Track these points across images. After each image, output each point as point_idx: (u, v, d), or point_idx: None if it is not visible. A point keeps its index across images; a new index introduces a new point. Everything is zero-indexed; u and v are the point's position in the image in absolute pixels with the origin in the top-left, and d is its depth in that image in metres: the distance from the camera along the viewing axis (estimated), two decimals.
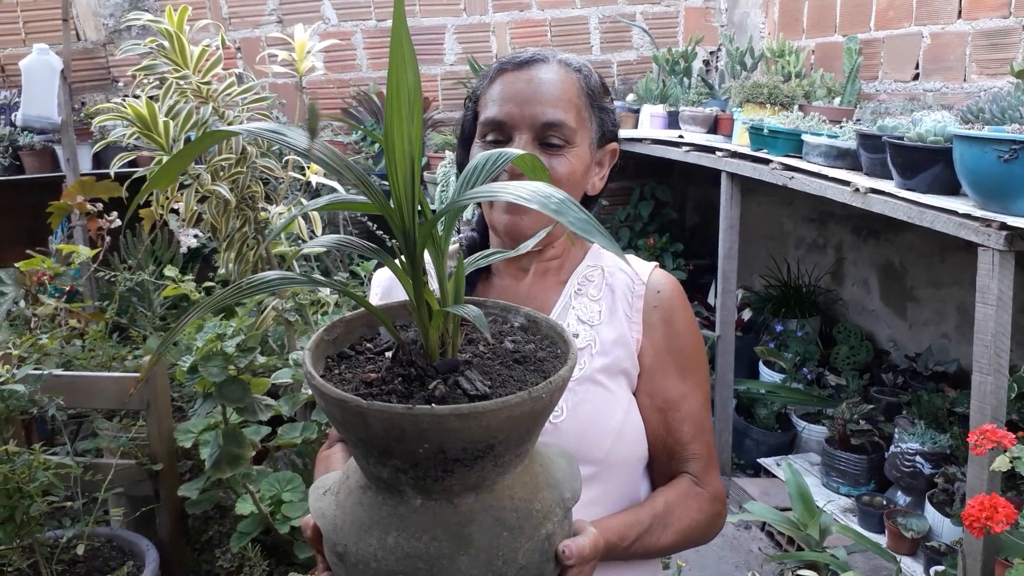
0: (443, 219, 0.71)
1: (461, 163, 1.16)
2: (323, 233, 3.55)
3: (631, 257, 1.19)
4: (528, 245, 0.80)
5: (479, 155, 0.72)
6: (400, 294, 1.06)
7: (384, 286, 1.17)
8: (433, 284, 0.73)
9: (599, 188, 1.15)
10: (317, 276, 0.74)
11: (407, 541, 0.69)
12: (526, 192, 0.59)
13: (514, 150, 0.70)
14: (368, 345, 0.78)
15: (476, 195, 0.64)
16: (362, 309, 0.78)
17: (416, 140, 0.63)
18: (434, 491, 0.69)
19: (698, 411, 1.11)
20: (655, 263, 1.17)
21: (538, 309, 1.11)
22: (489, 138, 1.06)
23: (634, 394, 1.09)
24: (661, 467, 1.11)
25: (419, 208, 0.68)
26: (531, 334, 0.81)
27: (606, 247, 0.55)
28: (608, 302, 1.11)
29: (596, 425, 1.03)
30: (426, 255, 0.70)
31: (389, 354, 0.75)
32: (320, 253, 3.34)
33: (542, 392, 0.67)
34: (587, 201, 1.16)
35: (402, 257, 0.70)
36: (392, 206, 0.66)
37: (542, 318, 0.82)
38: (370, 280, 1.29)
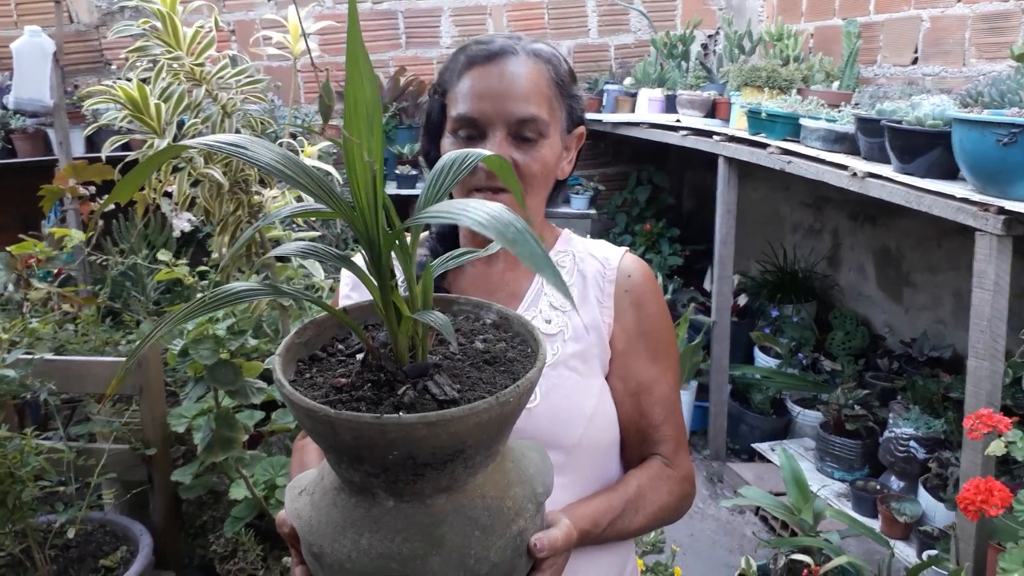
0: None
1: (427, 154, 1.15)
2: (317, 219, 3.54)
3: (601, 242, 1.19)
4: (496, 246, 0.79)
5: (447, 155, 0.72)
6: None
7: (354, 279, 1.16)
8: (404, 288, 0.74)
9: (568, 172, 1.16)
10: (284, 287, 0.74)
11: (380, 542, 0.70)
12: (484, 218, 0.58)
13: (482, 151, 0.70)
14: (340, 347, 0.79)
15: (435, 215, 0.63)
16: (333, 314, 0.79)
17: (377, 151, 0.64)
18: (405, 493, 0.70)
19: (669, 393, 1.12)
20: (625, 248, 1.18)
21: (510, 296, 1.11)
22: (461, 134, 1.05)
23: (606, 379, 1.10)
24: (633, 450, 1.12)
25: (385, 212, 0.68)
26: (503, 331, 0.82)
27: (555, 285, 0.55)
28: (580, 288, 1.12)
29: (569, 410, 1.04)
30: (394, 257, 0.70)
31: (361, 356, 0.75)
32: (316, 237, 3.32)
33: (510, 396, 0.68)
34: (557, 185, 1.16)
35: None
36: (356, 215, 0.67)
37: (513, 315, 0.82)
38: None
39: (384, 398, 0.69)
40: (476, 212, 0.59)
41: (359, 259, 1.10)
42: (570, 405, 1.05)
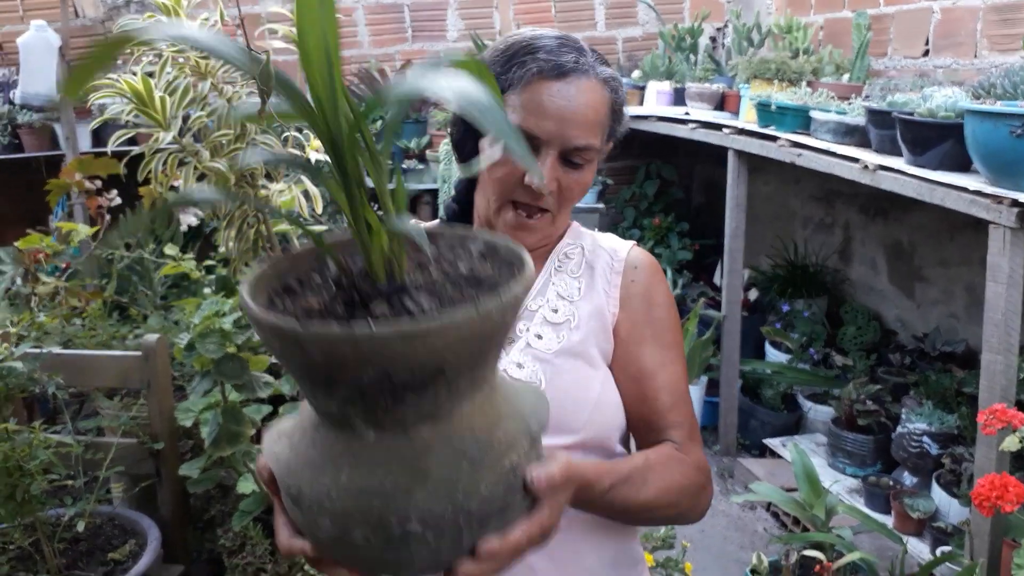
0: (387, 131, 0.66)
1: (460, 143, 1.13)
2: (324, 211, 3.53)
3: (610, 236, 1.19)
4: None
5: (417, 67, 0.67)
6: None
7: None
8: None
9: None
10: (242, 196, 0.69)
11: (361, 477, 0.65)
12: (451, 92, 0.55)
13: (435, 89, 0.63)
14: (316, 278, 0.73)
15: (402, 90, 0.59)
16: (310, 244, 0.73)
17: (331, 31, 0.58)
18: (386, 423, 0.65)
19: (676, 382, 1.10)
20: (633, 242, 1.18)
21: None
22: None
23: (609, 368, 1.09)
24: (640, 439, 1.11)
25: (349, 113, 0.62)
26: (490, 260, 0.76)
27: (522, 158, 0.54)
28: (587, 279, 1.12)
29: (573, 397, 1.03)
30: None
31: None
32: (324, 231, 3.31)
33: (492, 309, 0.62)
34: None
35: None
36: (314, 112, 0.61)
37: (501, 242, 0.76)
38: None
39: (357, 317, 0.64)
40: (444, 85, 0.56)
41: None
42: (574, 392, 1.04)
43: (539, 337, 1.07)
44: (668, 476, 1.01)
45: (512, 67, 1.04)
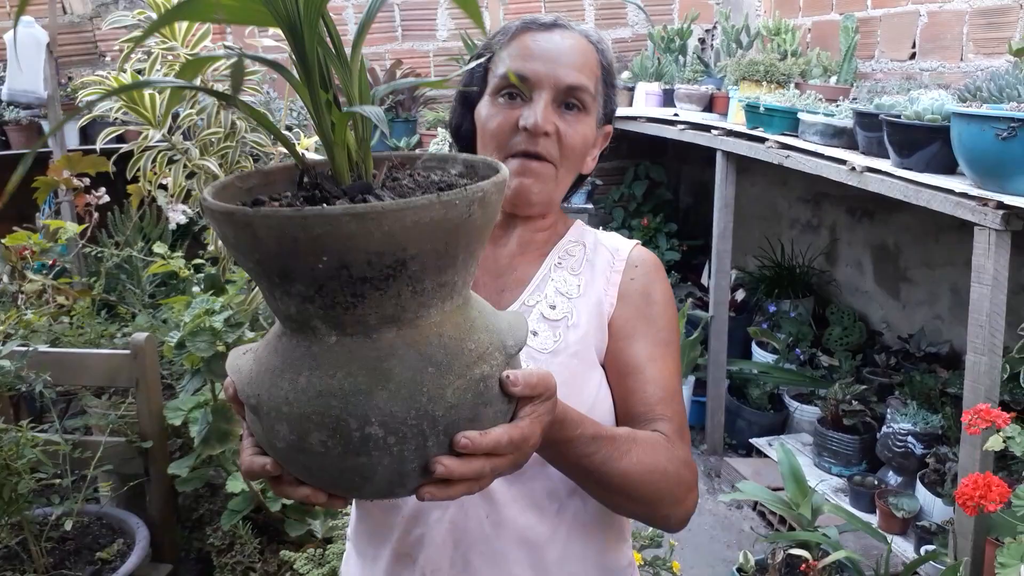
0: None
1: (458, 128, 1.13)
2: None
3: (613, 234, 1.18)
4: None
5: None
6: None
7: None
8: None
9: (591, 168, 1.15)
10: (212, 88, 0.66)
11: (320, 379, 0.63)
12: None
13: None
14: (287, 195, 0.69)
15: None
16: (285, 163, 0.72)
17: None
18: (348, 324, 0.63)
19: (667, 378, 1.06)
20: (637, 241, 1.17)
21: (517, 281, 1.09)
22: (504, 93, 1.04)
23: (602, 365, 1.08)
24: None
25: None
26: (467, 177, 0.75)
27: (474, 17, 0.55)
28: (588, 276, 1.11)
29: (569, 397, 1.00)
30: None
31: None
32: None
33: (456, 198, 0.59)
34: (579, 180, 1.15)
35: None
36: None
37: (480, 160, 0.75)
38: None
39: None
40: None
41: None
42: (569, 394, 0.99)
43: (535, 334, 1.04)
44: (653, 456, 0.97)
45: (499, 33, 1.08)
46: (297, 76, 0.63)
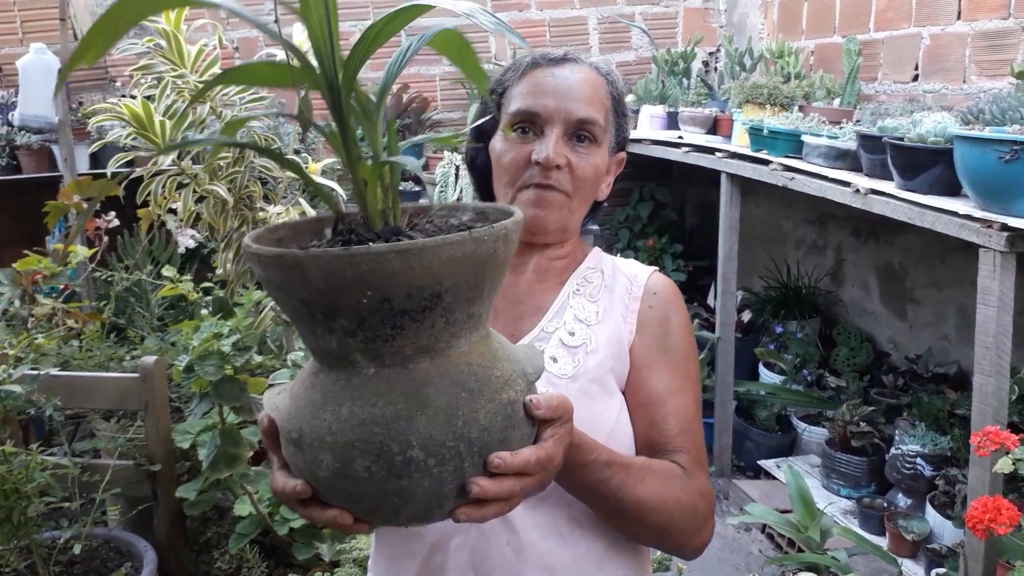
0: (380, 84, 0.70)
1: (472, 161, 1.16)
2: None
3: (631, 261, 1.20)
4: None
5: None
6: None
7: None
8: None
9: (606, 194, 1.16)
10: (242, 141, 0.72)
11: (362, 409, 0.67)
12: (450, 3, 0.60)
13: (438, 26, 0.69)
14: (315, 243, 0.75)
15: (402, 8, 0.65)
16: (312, 216, 0.78)
17: None
18: (386, 355, 0.68)
19: (686, 410, 1.08)
20: (655, 268, 1.18)
21: (536, 308, 1.10)
22: (517, 129, 1.06)
23: (622, 392, 1.09)
24: None
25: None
26: (479, 221, 0.80)
27: (518, 43, 0.59)
28: (606, 303, 1.12)
29: (589, 425, 1.00)
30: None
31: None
32: None
33: (484, 235, 0.65)
34: (595, 207, 1.17)
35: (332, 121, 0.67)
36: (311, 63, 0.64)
37: (490, 207, 0.80)
38: None
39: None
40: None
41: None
42: (590, 419, 1.01)
43: (554, 360, 1.05)
44: (667, 486, 0.99)
45: (511, 69, 1.10)
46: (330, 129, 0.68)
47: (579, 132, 1.06)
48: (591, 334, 1.09)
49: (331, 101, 0.65)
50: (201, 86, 2.35)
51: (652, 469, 0.99)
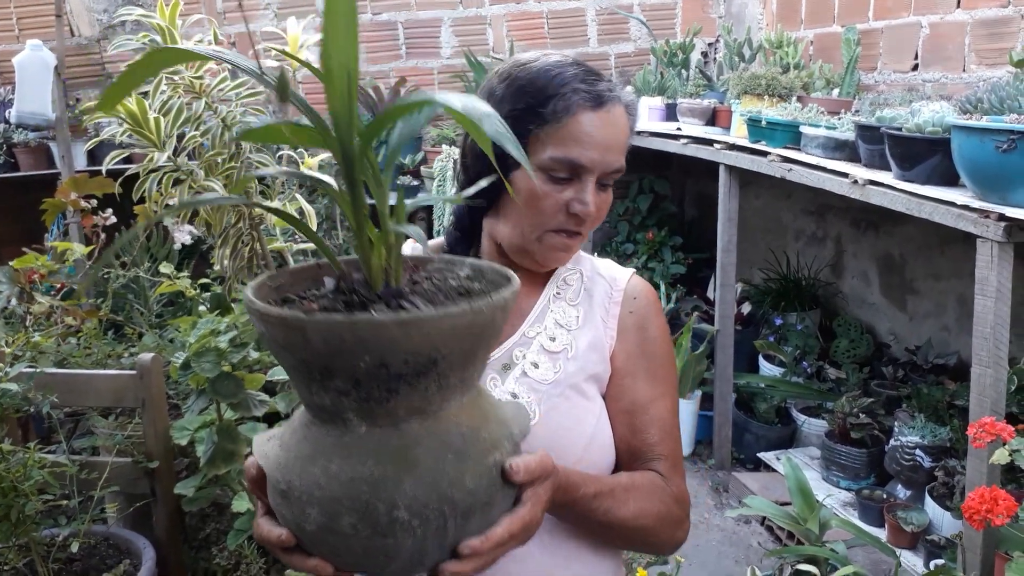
0: (388, 143, 0.71)
1: (478, 174, 1.06)
2: (319, 228, 3.54)
3: (609, 262, 1.20)
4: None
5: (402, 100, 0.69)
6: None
7: None
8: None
9: None
10: (262, 202, 0.75)
11: (351, 466, 0.68)
12: (459, 102, 0.61)
13: (443, 99, 0.66)
14: (314, 292, 0.76)
15: (410, 100, 0.64)
16: (309, 262, 0.79)
17: (354, 55, 0.63)
18: (378, 415, 0.69)
19: (666, 416, 1.11)
20: (632, 270, 1.19)
21: (516, 312, 1.10)
22: (555, 174, 1.03)
23: (603, 397, 1.10)
24: (624, 467, 1.11)
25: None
26: (477, 280, 0.81)
27: (521, 160, 0.61)
28: (585, 307, 1.12)
29: (569, 430, 1.03)
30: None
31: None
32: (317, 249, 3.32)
33: (483, 306, 0.67)
34: None
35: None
36: (329, 125, 0.66)
37: (486, 265, 0.81)
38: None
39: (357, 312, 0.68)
40: (452, 97, 0.62)
41: None
42: (570, 425, 1.04)
43: (535, 366, 1.06)
44: (649, 501, 1.03)
45: (550, 100, 1.02)
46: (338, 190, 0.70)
47: (608, 179, 1.07)
48: (572, 339, 1.09)
49: (344, 165, 0.67)
50: (196, 81, 2.35)
51: (635, 487, 1.03)
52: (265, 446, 0.77)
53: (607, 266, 1.18)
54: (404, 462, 0.68)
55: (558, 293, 1.13)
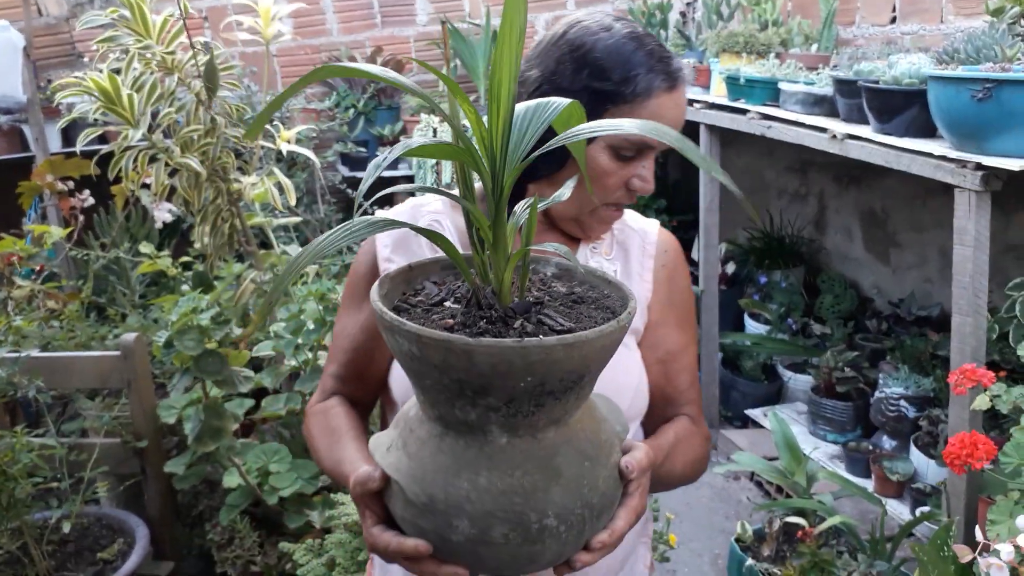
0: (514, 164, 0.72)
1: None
2: (298, 203, 3.50)
3: (635, 214, 1.22)
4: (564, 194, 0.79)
5: (523, 106, 0.70)
6: (416, 248, 1.09)
7: (393, 240, 1.12)
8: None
9: None
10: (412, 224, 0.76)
11: (500, 479, 0.71)
12: (649, 128, 0.67)
13: (561, 101, 0.69)
14: (419, 299, 0.78)
15: (599, 129, 0.68)
16: (403, 265, 0.82)
17: (515, 73, 0.66)
18: (520, 428, 0.71)
19: (693, 363, 1.19)
20: (657, 222, 1.21)
21: None
22: (626, 152, 1.04)
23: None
24: (656, 414, 1.16)
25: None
26: (567, 281, 0.84)
27: (724, 182, 0.65)
28: (622, 261, 1.16)
29: (618, 382, 1.06)
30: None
31: (449, 304, 0.76)
32: (299, 223, 3.31)
33: (626, 321, 0.71)
34: None
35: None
36: (480, 147, 0.68)
37: (571, 266, 0.85)
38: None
39: (504, 332, 0.69)
40: (655, 128, 0.66)
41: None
42: (619, 376, 1.07)
43: None
44: (691, 451, 1.11)
45: (629, 81, 1.02)
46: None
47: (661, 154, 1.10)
48: None
49: (493, 188, 0.69)
50: (168, 56, 2.31)
51: (679, 440, 1.10)
52: (389, 457, 0.78)
53: (635, 218, 1.20)
54: (550, 471, 0.72)
55: (594, 248, 1.16)
